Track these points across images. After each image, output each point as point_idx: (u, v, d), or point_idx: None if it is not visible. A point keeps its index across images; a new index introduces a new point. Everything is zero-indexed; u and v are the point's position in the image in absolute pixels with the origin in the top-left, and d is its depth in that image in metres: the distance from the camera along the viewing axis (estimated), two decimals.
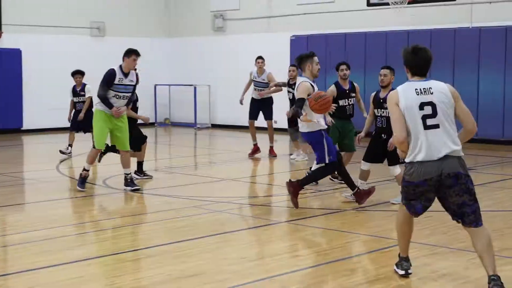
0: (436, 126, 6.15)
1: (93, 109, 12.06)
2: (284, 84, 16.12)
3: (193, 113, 24.84)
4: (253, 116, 16.56)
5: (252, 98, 16.60)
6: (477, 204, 6.21)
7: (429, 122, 6.15)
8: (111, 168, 13.62)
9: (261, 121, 16.67)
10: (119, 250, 7.95)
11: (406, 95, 6.23)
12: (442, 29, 19.35)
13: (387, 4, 17.55)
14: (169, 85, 26.21)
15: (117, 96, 11.54)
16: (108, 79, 11.44)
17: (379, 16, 20.10)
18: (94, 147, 12.02)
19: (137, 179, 12.65)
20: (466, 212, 6.18)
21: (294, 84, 15.50)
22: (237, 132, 22.88)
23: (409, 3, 17.30)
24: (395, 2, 17.28)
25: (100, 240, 8.55)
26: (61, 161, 15.57)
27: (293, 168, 14.79)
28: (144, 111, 25.75)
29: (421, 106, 6.16)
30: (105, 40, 24.52)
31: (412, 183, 6.25)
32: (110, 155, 12.85)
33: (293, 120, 15.70)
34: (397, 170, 10.36)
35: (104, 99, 11.43)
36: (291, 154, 16.06)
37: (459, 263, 7.22)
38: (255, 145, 16.48)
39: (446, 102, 6.19)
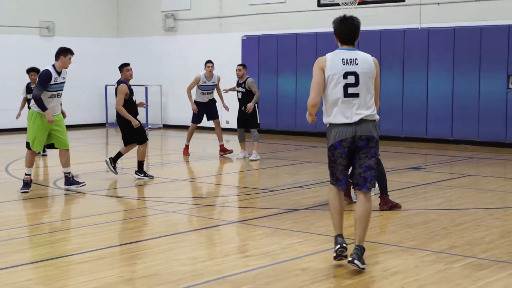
0: (356, 95, 6.70)
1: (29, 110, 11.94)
2: (233, 89, 16.30)
3: (145, 114, 24.71)
4: (197, 120, 16.61)
5: (196, 102, 16.58)
6: (376, 172, 7.02)
7: (350, 90, 6.68)
8: (61, 169, 13.47)
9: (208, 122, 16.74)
10: (69, 252, 7.89)
11: (333, 63, 6.71)
12: (392, 29, 19.57)
13: (338, 4, 17.66)
14: None
15: (53, 96, 11.54)
16: (46, 80, 11.41)
17: (330, 17, 20.06)
18: (29, 148, 11.80)
19: (138, 179, 12.95)
20: (368, 178, 6.85)
21: (244, 83, 15.69)
22: None
23: (359, 3, 17.43)
24: (345, 3, 17.41)
25: (50, 242, 8.46)
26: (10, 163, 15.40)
27: (246, 168, 14.82)
28: (95, 111, 25.77)
29: (345, 75, 6.67)
30: (55, 40, 24.24)
31: (331, 146, 6.82)
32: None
33: (244, 121, 15.80)
34: None
35: (40, 101, 11.35)
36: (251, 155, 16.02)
37: (410, 261, 7.31)
38: (187, 146, 16.61)
39: (369, 73, 6.74)
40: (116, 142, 21.77)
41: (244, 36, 22.54)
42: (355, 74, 6.67)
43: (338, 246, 6.92)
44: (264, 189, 11.90)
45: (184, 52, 24.46)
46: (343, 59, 6.71)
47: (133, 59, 25.75)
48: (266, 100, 20.97)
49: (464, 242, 8.12)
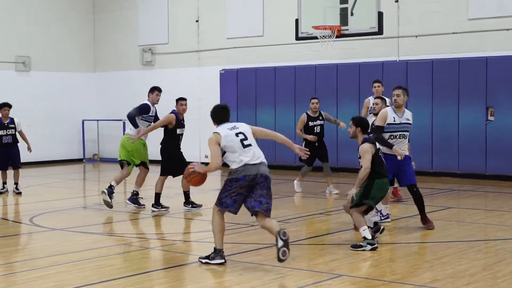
0: (250, 145, 8.83)
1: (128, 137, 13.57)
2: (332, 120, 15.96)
3: None
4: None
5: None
6: (271, 200, 8.99)
7: (245, 142, 8.81)
8: (38, 205, 13.32)
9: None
10: None
11: (224, 132, 8.82)
12: (370, 62, 19.62)
13: (316, 38, 17.67)
14: (98, 120, 25.89)
15: (148, 125, 13.58)
16: (144, 111, 13.69)
17: (308, 50, 20.25)
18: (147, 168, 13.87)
19: (153, 211, 13.36)
20: (262, 201, 8.82)
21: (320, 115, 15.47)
22: None
23: (337, 36, 17.43)
24: (324, 36, 17.42)
25: (27, 280, 8.28)
26: None
27: None
28: (72, 146, 25.60)
29: (237, 134, 8.84)
30: (31, 75, 24.11)
31: (233, 178, 8.71)
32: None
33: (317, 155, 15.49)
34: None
35: (134, 119, 13.41)
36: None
37: None
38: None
39: (248, 130, 8.97)
40: (93, 177, 21.59)
41: (222, 69, 22.53)
42: (241, 132, 8.86)
43: (223, 260, 8.83)
44: (244, 224, 11.77)
45: (162, 86, 24.03)
46: (228, 128, 8.89)
47: (110, 94, 25.78)
48: None
49: (446, 275, 8.06)
